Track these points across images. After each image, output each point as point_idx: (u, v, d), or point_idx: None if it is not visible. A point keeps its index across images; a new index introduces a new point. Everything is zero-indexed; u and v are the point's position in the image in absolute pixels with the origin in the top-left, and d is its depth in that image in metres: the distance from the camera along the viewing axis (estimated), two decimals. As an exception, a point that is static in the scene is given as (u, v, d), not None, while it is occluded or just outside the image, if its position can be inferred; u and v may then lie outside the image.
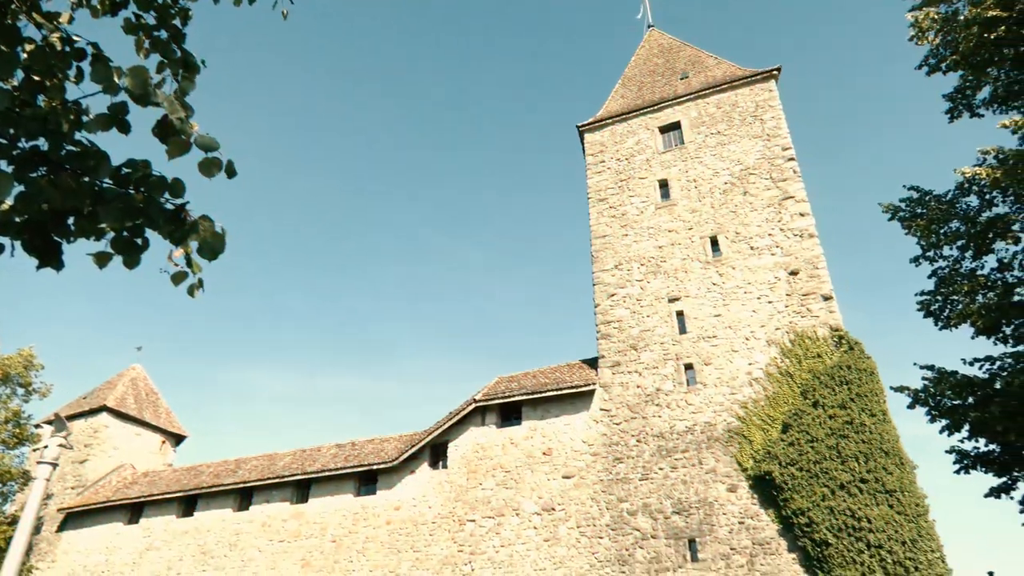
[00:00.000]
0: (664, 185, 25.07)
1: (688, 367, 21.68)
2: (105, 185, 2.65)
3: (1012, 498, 8.27)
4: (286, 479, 24.68)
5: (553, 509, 21.08)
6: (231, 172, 2.81)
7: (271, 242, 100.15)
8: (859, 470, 18.00)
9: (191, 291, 2.89)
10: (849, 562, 17.08)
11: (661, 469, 20.45)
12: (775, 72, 25.39)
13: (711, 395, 20.93)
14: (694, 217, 23.86)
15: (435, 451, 23.80)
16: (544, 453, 22.06)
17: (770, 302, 21.55)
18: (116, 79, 2.75)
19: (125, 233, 2.69)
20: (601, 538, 20.14)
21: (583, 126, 27.84)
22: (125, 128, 2.85)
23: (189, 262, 2.77)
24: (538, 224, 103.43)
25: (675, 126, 26.17)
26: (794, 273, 21.66)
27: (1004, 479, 8.45)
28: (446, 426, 23.50)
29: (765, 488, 18.99)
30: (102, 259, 2.78)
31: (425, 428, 24.38)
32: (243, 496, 25.75)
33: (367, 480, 24.32)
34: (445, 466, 23.34)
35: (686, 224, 23.86)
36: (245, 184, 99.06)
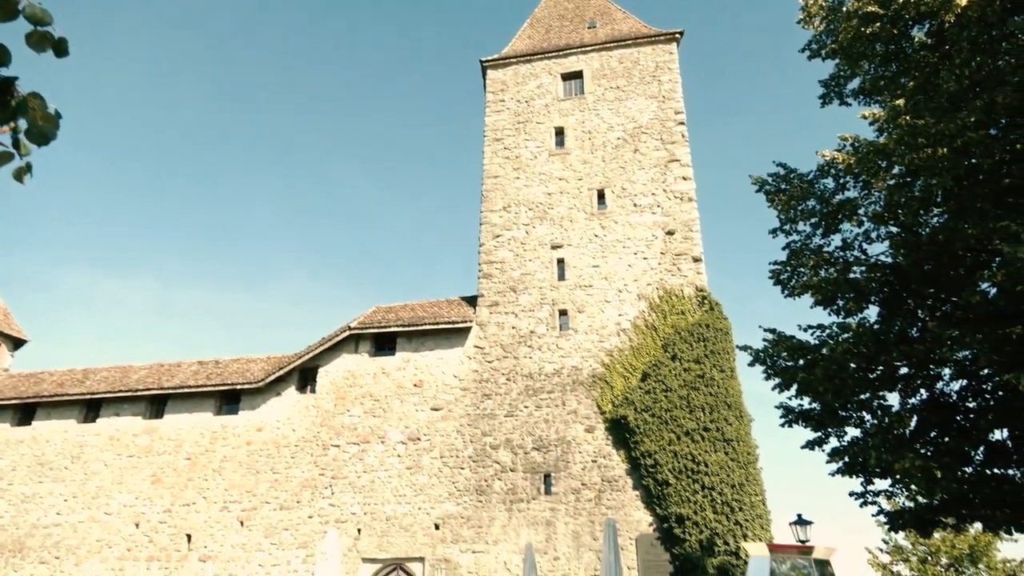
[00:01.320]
0: (560, 133, 25.27)
1: (562, 313, 22.45)
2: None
3: (823, 451, 9.38)
4: (140, 393, 23.47)
5: (419, 439, 21.49)
6: (61, 50, 2.50)
7: (127, 141, 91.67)
8: (704, 419, 19.63)
9: (18, 175, 2.61)
10: (685, 500, 18.75)
11: (526, 407, 21.28)
12: (677, 35, 25.93)
13: (581, 341, 21.85)
14: (585, 168, 24.32)
15: (304, 375, 23.42)
16: (415, 385, 22.30)
17: (645, 259, 22.57)
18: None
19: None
20: (462, 469, 20.83)
21: (487, 62, 27.31)
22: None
23: (16, 144, 2.49)
24: (432, 157, 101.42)
25: (577, 75, 26.26)
26: (670, 233, 22.75)
27: (819, 434, 9.52)
28: (318, 351, 23.12)
29: (619, 431, 20.29)
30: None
31: (295, 352, 23.87)
32: (90, 408, 24.28)
33: (229, 400, 23.60)
34: (314, 391, 23.07)
35: (576, 174, 24.29)
36: (109, 81, 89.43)
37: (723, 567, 17.81)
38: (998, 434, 8.64)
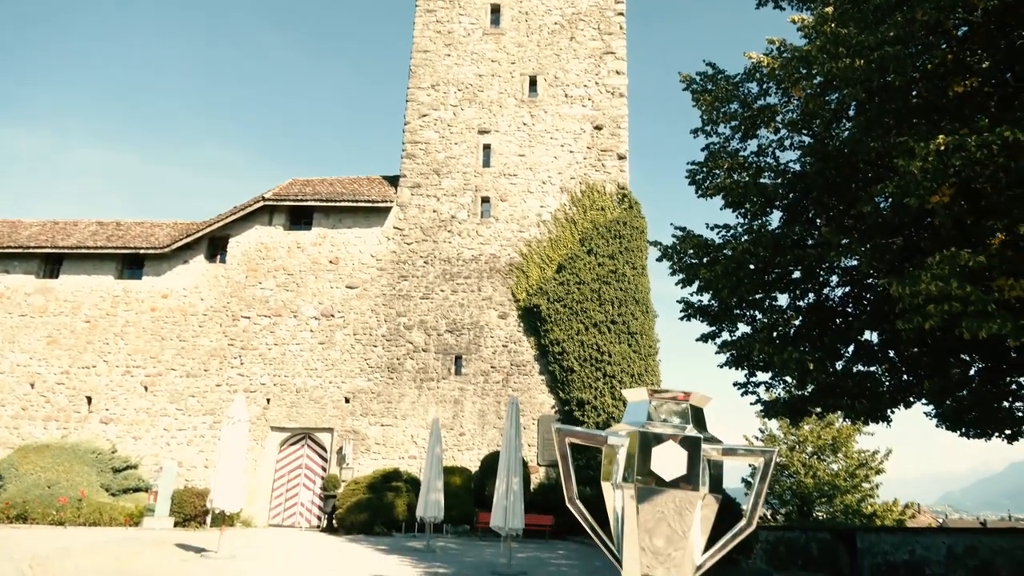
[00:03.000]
0: (496, 11, 24.13)
1: (485, 200, 22.37)
2: None
3: (715, 343, 10.09)
4: (32, 251, 22.11)
5: (332, 315, 21.48)
6: None
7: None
8: (612, 313, 20.51)
9: None
10: (587, 387, 19.86)
11: (442, 291, 21.52)
12: (627, -83, 24.68)
13: (501, 230, 21.97)
14: (519, 52, 23.52)
15: (214, 244, 22.62)
16: (331, 261, 22.01)
17: (571, 152, 22.52)
18: None
19: None
20: (375, 346, 21.13)
21: (424, -79, 25.25)
22: None
23: None
24: (360, 28, 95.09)
25: (519, -52, 24.79)
26: (598, 128, 22.67)
27: (713, 328, 10.20)
28: (229, 220, 22.25)
29: (531, 319, 20.95)
30: None
31: (205, 220, 22.89)
32: (-24, 263, 22.72)
33: (132, 264, 22.61)
34: (224, 261, 22.39)
35: (510, 57, 23.48)
36: None
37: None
38: (869, 336, 9.55)
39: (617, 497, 1.64)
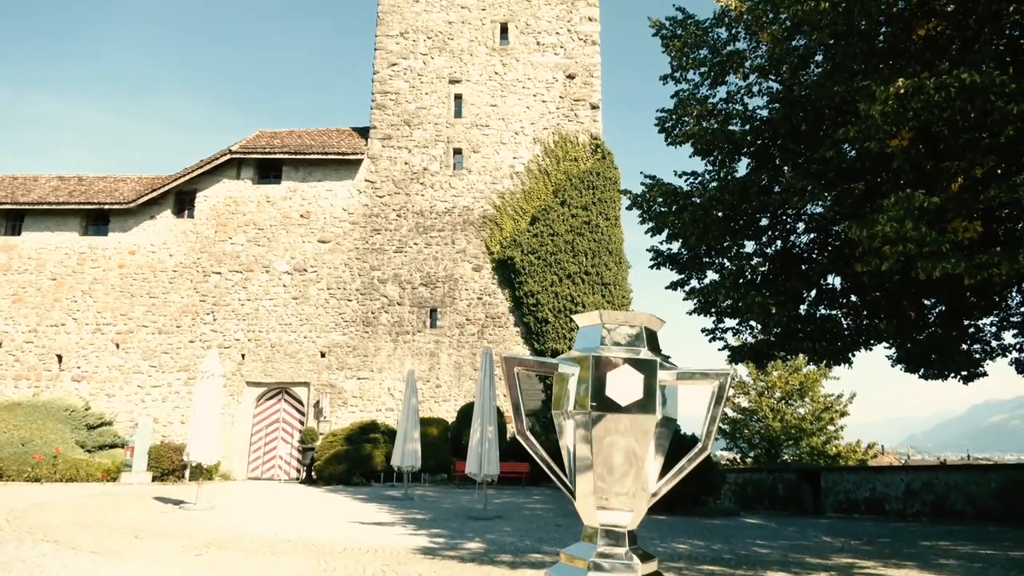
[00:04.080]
0: (466, -46, 23.39)
1: (457, 151, 22.12)
2: None
3: (683, 291, 10.24)
4: (-9, 207, 21.48)
5: (305, 270, 21.33)
6: None
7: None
8: (586, 264, 20.63)
9: None
10: (561, 337, 20.09)
11: (416, 244, 21.42)
12: None
13: (474, 181, 21.81)
14: (490, -3, 22.92)
15: (180, 199, 22.16)
16: (302, 215, 21.74)
17: (544, 101, 22.26)
18: None
19: None
20: (350, 300, 21.08)
21: None
22: None
23: None
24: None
25: None
26: (571, 77, 22.37)
27: (682, 276, 10.34)
28: (195, 173, 21.76)
29: (505, 271, 21.01)
30: None
31: (171, 173, 22.37)
32: (-68, 221, 22.06)
33: (97, 220, 22.11)
34: (192, 216, 21.99)
35: (480, 3, 22.91)
36: None
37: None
38: (832, 281, 9.78)
39: (568, 426, 1.58)
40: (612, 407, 1.48)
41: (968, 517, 12.91)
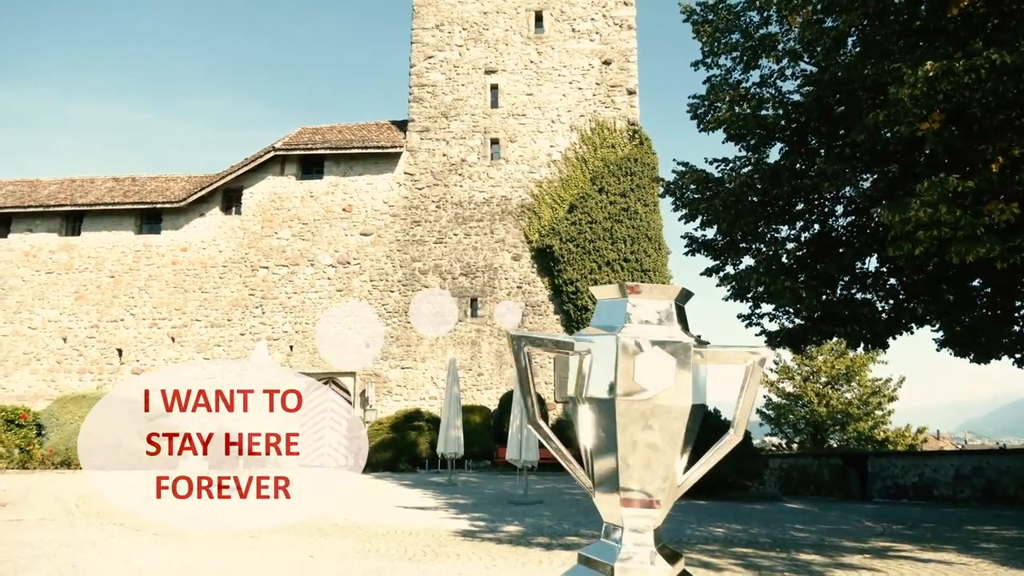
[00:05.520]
0: (499, -57, 23.42)
1: (495, 142, 22.26)
2: None
3: (718, 277, 10.20)
4: (52, 209, 22.55)
5: (348, 263, 21.83)
6: None
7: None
8: (625, 251, 20.61)
9: None
10: (600, 324, 20.13)
11: (455, 235, 21.70)
12: None
13: (511, 171, 21.94)
14: (524, -14, 22.92)
15: (228, 196, 22.88)
16: (344, 209, 22.22)
17: (580, 88, 22.21)
18: None
19: None
20: (392, 292, 21.52)
21: None
22: None
23: None
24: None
25: None
26: (607, 63, 22.26)
27: (716, 262, 10.31)
28: (241, 171, 22.44)
29: (544, 259, 21.13)
30: None
31: (218, 172, 23.11)
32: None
33: (150, 219, 23.01)
34: (239, 212, 22.70)
35: (514, -8, 22.90)
36: None
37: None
38: (868, 265, 9.63)
39: (585, 413, 1.39)
40: (638, 393, 1.30)
41: (1020, 502, 12.62)
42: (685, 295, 1.40)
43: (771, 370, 27.20)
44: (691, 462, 1.45)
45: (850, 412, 25.02)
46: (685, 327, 1.37)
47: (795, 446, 26.76)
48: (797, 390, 26.22)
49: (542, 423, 1.50)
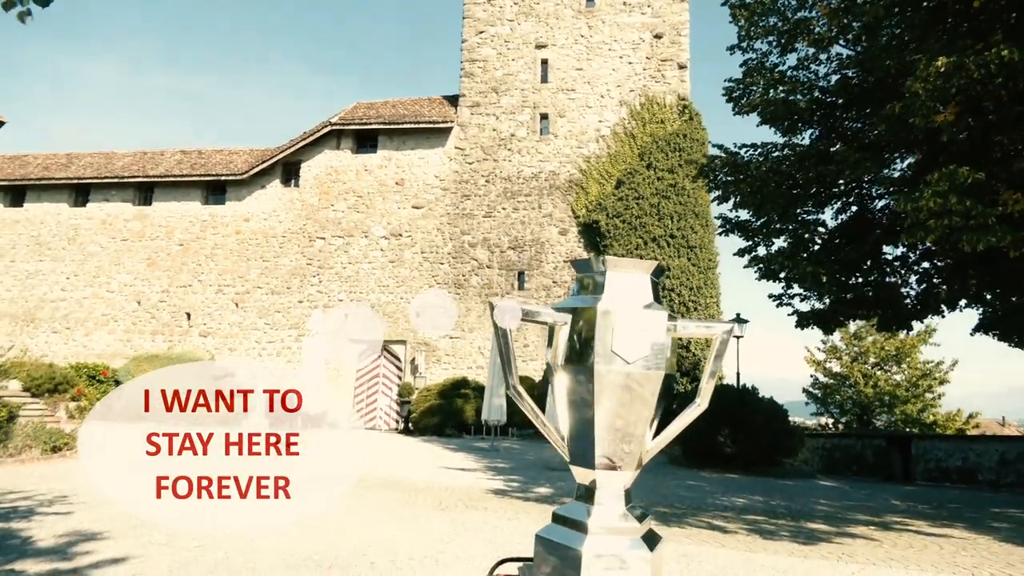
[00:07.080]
0: (553, -84, 23.36)
1: (544, 117, 22.51)
2: None
3: (748, 257, 10.39)
4: (126, 180, 23.98)
5: (400, 235, 22.59)
6: None
7: None
8: (671, 227, 20.71)
9: (21, 17, 3.01)
10: (645, 300, 20.37)
11: (504, 209, 22.17)
12: None
13: (560, 146, 22.19)
14: (576, -41, 22.87)
15: (287, 169, 23.87)
16: (397, 183, 22.92)
17: (630, 63, 22.17)
18: None
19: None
20: (442, 264, 22.21)
21: None
22: None
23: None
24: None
25: None
26: (658, 36, 22.12)
27: (749, 243, 10.49)
28: (299, 145, 23.35)
29: (591, 235, 21.42)
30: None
31: (277, 145, 24.08)
32: (78, 192, 24.90)
33: (215, 190, 24.24)
34: (297, 185, 23.68)
35: (567, -34, 22.89)
36: None
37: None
38: (894, 249, 9.69)
39: (561, 381, 1.43)
40: (613, 362, 1.34)
41: (1063, 489, 12.52)
42: (660, 270, 1.46)
43: (818, 349, 26.97)
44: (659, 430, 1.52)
45: (897, 394, 24.67)
46: (657, 299, 1.44)
47: (841, 426, 26.58)
48: (844, 370, 25.96)
49: (520, 388, 1.51)
